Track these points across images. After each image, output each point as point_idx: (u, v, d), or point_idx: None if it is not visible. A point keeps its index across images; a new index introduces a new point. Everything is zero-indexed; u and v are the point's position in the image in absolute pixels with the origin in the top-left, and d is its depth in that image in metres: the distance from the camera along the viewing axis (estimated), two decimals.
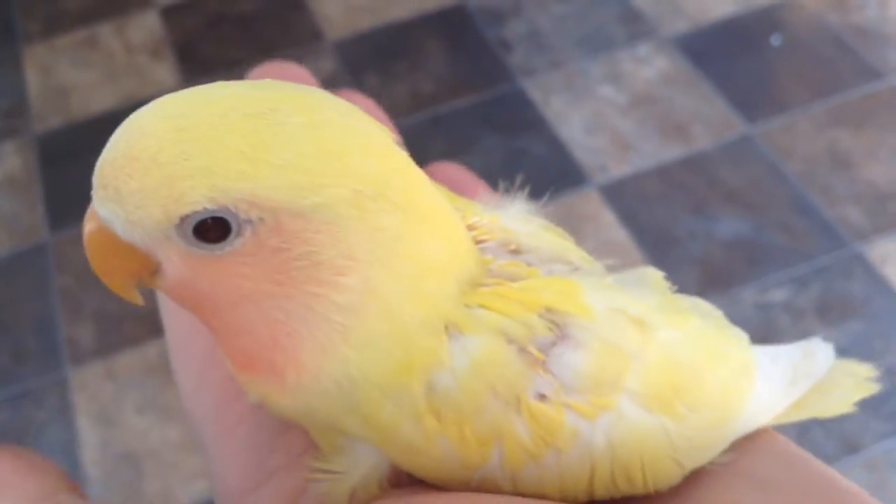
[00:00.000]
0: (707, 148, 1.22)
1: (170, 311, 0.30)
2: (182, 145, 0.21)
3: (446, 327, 0.24)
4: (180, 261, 0.23)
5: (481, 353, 0.24)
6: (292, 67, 0.38)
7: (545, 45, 1.38)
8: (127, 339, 1.09)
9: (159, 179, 0.21)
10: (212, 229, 0.22)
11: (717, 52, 1.33)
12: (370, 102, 0.38)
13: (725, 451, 0.27)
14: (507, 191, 0.31)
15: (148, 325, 1.10)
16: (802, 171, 1.17)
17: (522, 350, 0.24)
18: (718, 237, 1.11)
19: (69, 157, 1.32)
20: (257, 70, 0.37)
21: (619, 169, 1.20)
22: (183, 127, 0.22)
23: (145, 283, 0.24)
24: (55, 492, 0.25)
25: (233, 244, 0.22)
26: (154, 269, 0.23)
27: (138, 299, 0.24)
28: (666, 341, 0.26)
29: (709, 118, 1.25)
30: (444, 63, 1.37)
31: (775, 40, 1.34)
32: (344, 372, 0.24)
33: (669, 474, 0.26)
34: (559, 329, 0.25)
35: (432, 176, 0.36)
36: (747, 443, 0.28)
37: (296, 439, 0.27)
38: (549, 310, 0.25)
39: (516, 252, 0.27)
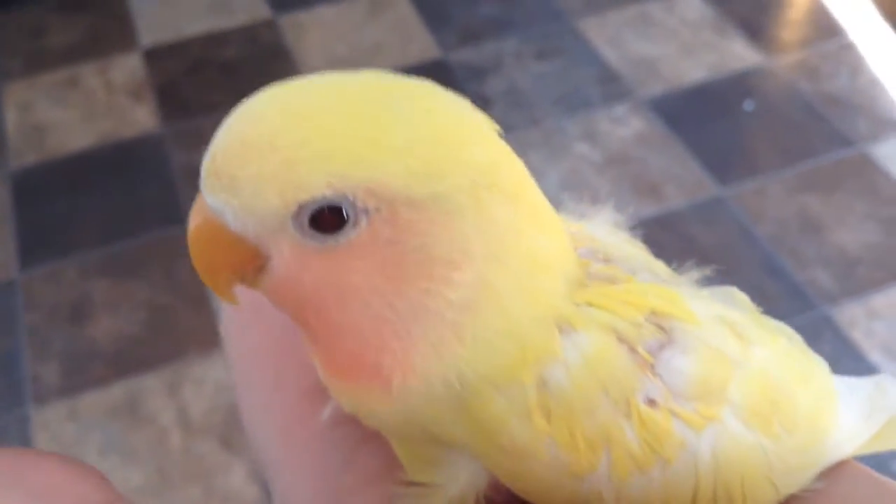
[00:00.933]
0: (680, 208, 1.23)
1: (235, 336, 0.30)
2: (300, 130, 0.21)
3: (558, 323, 0.23)
4: (291, 253, 0.22)
5: (594, 349, 0.23)
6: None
7: (524, 102, 1.40)
8: (92, 380, 1.07)
9: (277, 165, 0.21)
10: (327, 219, 0.21)
11: (692, 115, 1.36)
12: None
13: (816, 479, 0.26)
14: (593, 201, 0.30)
15: (114, 366, 1.08)
16: (773, 234, 1.19)
17: (632, 351, 0.23)
18: None
19: (43, 195, 1.32)
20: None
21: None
22: (299, 112, 0.21)
23: (247, 283, 0.23)
24: (114, 498, 0.24)
25: (347, 235, 0.21)
26: (261, 264, 0.22)
27: (236, 300, 0.24)
28: (761, 357, 0.25)
29: (682, 179, 1.27)
30: None
31: (748, 105, 1.37)
32: (456, 371, 0.23)
33: (766, 497, 0.25)
34: (666, 333, 0.24)
35: None
36: (835, 472, 0.27)
37: (370, 459, 0.26)
38: (654, 313, 0.24)
39: (606, 260, 0.26)
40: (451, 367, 0.23)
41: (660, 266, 0.27)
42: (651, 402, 0.23)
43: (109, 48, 1.53)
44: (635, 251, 0.27)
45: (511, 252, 0.23)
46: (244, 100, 0.22)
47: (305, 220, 0.21)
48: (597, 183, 1.27)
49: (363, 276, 0.22)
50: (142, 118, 1.41)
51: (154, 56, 1.51)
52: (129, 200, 1.29)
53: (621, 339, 0.23)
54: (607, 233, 0.28)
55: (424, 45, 1.49)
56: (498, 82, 1.43)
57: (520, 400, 0.23)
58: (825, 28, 1.48)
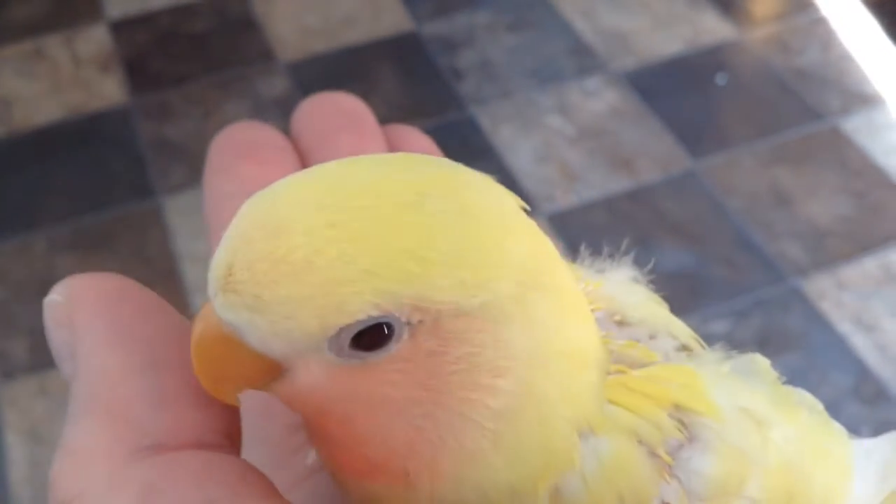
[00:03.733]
0: (652, 181, 1.24)
1: None
2: (339, 245, 0.19)
3: (579, 428, 0.22)
4: (320, 371, 0.20)
5: (613, 457, 0.22)
6: (345, 99, 0.36)
7: (496, 74, 1.39)
8: None
9: (316, 286, 0.18)
10: (368, 337, 0.19)
11: (665, 89, 1.36)
12: (429, 141, 0.36)
13: None
14: (611, 255, 0.28)
15: None
16: (744, 207, 1.20)
17: (652, 453, 0.22)
18: (662, 269, 1.12)
19: (10, 169, 1.30)
20: (308, 103, 0.35)
21: (566, 199, 1.21)
22: (335, 222, 0.19)
23: (256, 388, 0.21)
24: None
25: (388, 351, 0.19)
26: (277, 376, 0.20)
27: (237, 403, 0.21)
28: (781, 442, 0.24)
29: (655, 152, 1.27)
30: (396, 89, 1.38)
31: (721, 79, 1.37)
32: (490, 480, 0.21)
33: None
34: (687, 430, 0.22)
35: (395, 145, 0.33)
36: None
37: None
38: (677, 407, 0.22)
39: (623, 324, 0.25)
40: (485, 476, 0.21)
41: (678, 326, 0.26)
42: None
43: (76, 19, 1.50)
44: (654, 310, 0.26)
45: (553, 352, 0.21)
46: (258, 195, 0.20)
47: (345, 341, 0.19)
48: (569, 157, 1.27)
49: (401, 388, 0.20)
50: (109, 91, 1.39)
51: (121, 28, 1.49)
52: (97, 174, 1.27)
53: (642, 442, 0.22)
54: (626, 291, 0.26)
55: (397, 17, 1.48)
56: (470, 55, 1.42)
57: None
58: (797, 2, 1.49)
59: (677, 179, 1.23)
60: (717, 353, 0.26)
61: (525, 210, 0.22)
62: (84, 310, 0.22)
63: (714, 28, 1.44)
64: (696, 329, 0.27)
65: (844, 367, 1.03)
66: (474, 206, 0.20)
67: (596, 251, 0.27)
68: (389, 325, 0.19)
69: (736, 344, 0.27)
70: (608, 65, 1.39)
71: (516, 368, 0.20)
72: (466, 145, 1.27)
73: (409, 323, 0.19)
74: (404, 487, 0.21)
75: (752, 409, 0.23)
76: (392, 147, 0.36)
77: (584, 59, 1.41)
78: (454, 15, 1.48)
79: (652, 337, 0.25)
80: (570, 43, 1.43)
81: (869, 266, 1.12)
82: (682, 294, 1.09)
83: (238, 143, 0.34)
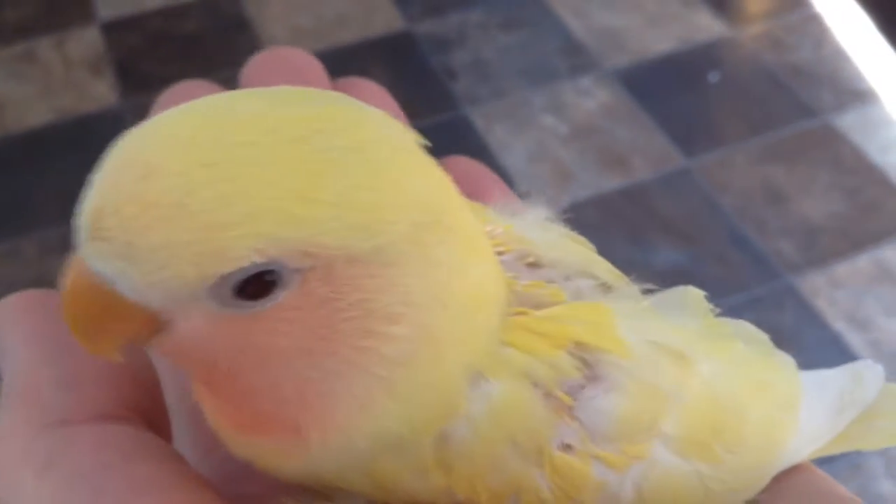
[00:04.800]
0: (646, 179, 1.23)
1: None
2: (217, 186, 0.17)
3: (469, 372, 0.21)
4: (203, 321, 0.18)
5: (503, 400, 0.21)
6: (296, 55, 0.34)
7: (489, 74, 1.39)
8: None
9: (192, 232, 0.17)
10: (253, 285, 0.18)
11: (657, 87, 1.36)
12: (385, 95, 0.34)
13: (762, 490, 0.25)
14: (524, 195, 0.28)
15: None
16: (737, 205, 1.20)
17: (549, 394, 0.21)
18: (655, 267, 1.12)
19: (1, 172, 1.29)
20: (258, 59, 0.34)
21: (560, 197, 1.21)
22: (212, 160, 0.17)
23: (136, 342, 0.19)
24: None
25: (276, 299, 0.18)
26: (158, 328, 0.19)
27: (119, 358, 0.20)
28: (708, 375, 0.23)
29: (648, 150, 1.27)
30: (389, 89, 1.37)
31: (713, 77, 1.37)
32: (383, 429, 0.20)
33: None
34: (590, 368, 0.21)
35: (446, 171, 0.34)
36: (779, 481, 0.25)
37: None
38: (579, 345, 0.21)
39: (535, 265, 0.24)
40: (379, 425, 0.20)
41: (600, 265, 0.25)
42: (567, 448, 0.21)
43: (67, 21, 1.50)
44: (572, 247, 0.25)
45: (453, 293, 0.20)
46: (129, 133, 0.18)
47: (227, 290, 0.18)
48: (563, 155, 1.27)
49: (290, 338, 0.19)
50: (101, 93, 1.39)
51: (113, 29, 1.48)
52: (88, 177, 1.26)
53: (537, 384, 0.21)
54: (541, 230, 0.25)
55: (389, 17, 1.48)
56: (463, 54, 1.42)
57: (415, 456, 0.20)
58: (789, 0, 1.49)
59: (670, 177, 1.23)
60: (637, 287, 0.25)
61: (426, 148, 0.21)
62: (6, 319, 0.23)
63: (707, 26, 1.44)
64: None
65: (838, 365, 1.03)
66: (369, 143, 0.19)
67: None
68: (276, 272, 0.18)
69: None
70: (601, 63, 1.39)
71: (412, 314, 0.19)
72: (460, 145, 1.27)
73: (297, 269, 0.18)
74: (294, 442, 0.20)
75: (668, 344, 0.23)
76: None
77: (576, 58, 1.40)
78: (447, 14, 1.48)
79: (567, 278, 0.24)
80: (563, 42, 1.43)
81: (862, 263, 1.12)
82: None
83: (181, 98, 0.33)
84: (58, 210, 1.24)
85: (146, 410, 0.23)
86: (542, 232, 0.25)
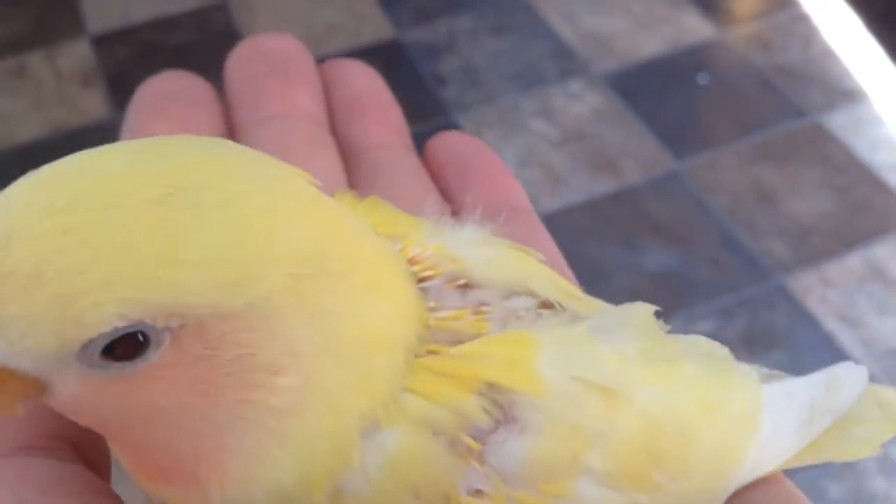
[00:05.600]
0: (636, 183, 1.23)
1: None
2: (71, 253, 0.17)
3: (363, 422, 0.20)
4: (79, 385, 0.18)
5: (399, 450, 0.20)
6: (279, 43, 0.35)
7: (479, 80, 1.39)
8: None
9: (47, 302, 0.17)
10: (122, 347, 0.18)
11: (647, 90, 1.36)
12: (372, 75, 0.35)
13: None
14: (456, 212, 0.27)
15: None
16: (728, 206, 1.20)
17: (454, 441, 0.20)
18: (646, 270, 1.12)
19: None
20: (241, 50, 0.34)
21: (551, 202, 1.21)
22: (68, 226, 0.17)
23: (30, 399, 0.19)
24: None
25: (148, 359, 0.18)
26: (42, 389, 0.19)
27: (20, 412, 0.19)
28: (645, 403, 0.22)
29: (638, 153, 1.27)
30: None
31: (702, 79, 1.37)
32: (278, 480, 0.20)
33: None
34: (502, 410, 0.21)
35: (437, 153, 0.32)
36: (740, 496, 0.25)
37: None
38: (490, 386, 0.21)
39: (467, 287, 0.23)
40: (272, 476, 0.20)
41: (542, 280, 0.24)
42: (477, 493, 0.21)
43: (57, 36, 1.50)
44: (510, 265, 0.24)
45: (343, 340, 0.20)
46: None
47: (94, 354, 0.17)
48: (553, 160, 1.27)
49: (171, 396, 0.18)
50: (93, 106, 1.39)
51: (103, 43, 1.49)
52: None
53: (437, 432, 0.20)
54: (477, 245, 0.24)
55: (378, 25, 1.48)
56: (453, 61, 1.42)
57: None
58: (778, 0, 1.49)
59: (661, 180, 1.23)
60: (574, 303, 0.24)
61: (318, 187, 0.20)
62: None
63: (695, 28, 1.44)
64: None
65: (831, 364, 1.03)
66: (239, 197, 0.18)
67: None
68: (143, 333, 0.17)
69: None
70: (590, 67, 1.39)
71: (298, 364, 0.19)
72: None
73: (167, 328, 0.17)
74: (196, 492, 0.20)
75: (593, 378, 0.22)
76: (328, 87, 0.35)
77: (565, 63, 1.41)
78: (435, 21, 1.48)
79: (506, 297, 0.23)
80: (552, 46, 1.43)
81: (853, 262, 1.12)
82: (667, 294, 1.09)
83: (155, 97, 0.33)
84: None
85: (75, 439, 0.22)
86: (479, 248, 0.24)
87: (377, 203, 0.26)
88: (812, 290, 1.10)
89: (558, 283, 0.25)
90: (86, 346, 0.17)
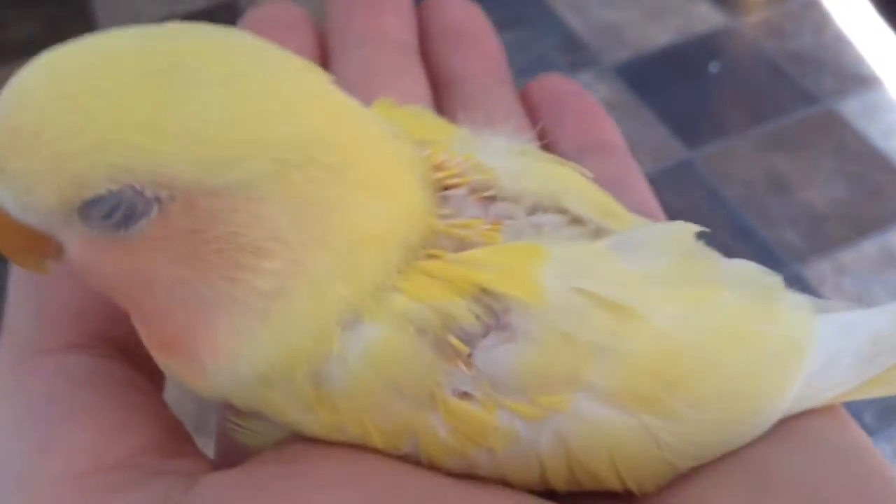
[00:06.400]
0: (648, 173, 1.23)
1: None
2: (70, 116, 0.18)
3: (344, 314, 0.21)
4: (83, 244, 0.20)
5: (378, 343, 0.21)
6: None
7: None
8: None
9: (47, 160, 0.18)
10: (116, 213, 0.19)
11: (658, 80, 1.35)
12: (471, 9, 0.36)
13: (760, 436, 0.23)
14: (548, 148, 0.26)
15: None
16: (741, 195, 1.19)
17: (440, 341, 0.21)
18: None
19: None
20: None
21: None
22: (69, 93, 0.19)
23: (55, 259, 0.21)
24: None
25: (141, 226, 0.19)
26: (58, 248, 0.21)
27: (49, 270, 0.22)
28: (663, 326, 0.22)
29: (650, 144, 1.27)
30: None
31: (713, 67, 1.36)
32: (262, 357, 0.21)
33: (656, 473, 0.22)
34: (496, 316, 0.21)
35: (533, 91, 0.33)
36: (783, 426, 0.24)
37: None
38: (485, 291, 0.21)
39: (492, 199, 0.23)
40: (259, 353, 0.21)
41: (579, 196, 0.24)
42: (464, 395, 0.21)
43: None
44: (545, 178, 0.24)
45: (332, 232, 0.20)
46: (27, 65, 0.20)
47: (93, 213, 0.19)
48: None
49: (164, 266, 0.20)
50: None
51: None
52: None
53: (422, 330, 0.21)
54: (513, 156, 0.24)
55: None
56: None
57: (295, 392, 0.21)
58: None
59: (673, 170, 1.23)
60: (604, 227, 0.23)
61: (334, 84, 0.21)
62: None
63: (706, 16, 1.43)
64: None
65: None
66: (238, 78, 0.19)
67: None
68: (137, 202, 0.19)
69: None
70: (600, 59, 1.39)
71: (285, 250, 0.20)
72: None
73: (158, 199, 0.19)
74: (194, 364, 0.21)
75: (601, 292, 0.21)
76: (426, 20, 0.37)
77: (576, 54, 1.40)
78: None
79: (532, 212, 0.23)
80: (563, 38, 1.43)
81: (868, 249, 1.11)
82: None
83: (254, 24, 0.35)
84: None
85: (119, 339, 0.24)
86: (512, 159, 0.24)
87: (420, 112, 0.26)
88: (827, 278, 1.09)
89: (596, 199, 0.24)
90: (85, 207, 0.19)
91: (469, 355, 0.21)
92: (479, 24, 0.38)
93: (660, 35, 1.41)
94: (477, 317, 0.21)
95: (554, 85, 0.36)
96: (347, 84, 0.35)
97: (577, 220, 0.23)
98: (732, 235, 1.15)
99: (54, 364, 0.23)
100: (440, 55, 0.37)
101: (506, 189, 0.23)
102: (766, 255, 1.12)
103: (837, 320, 0.25)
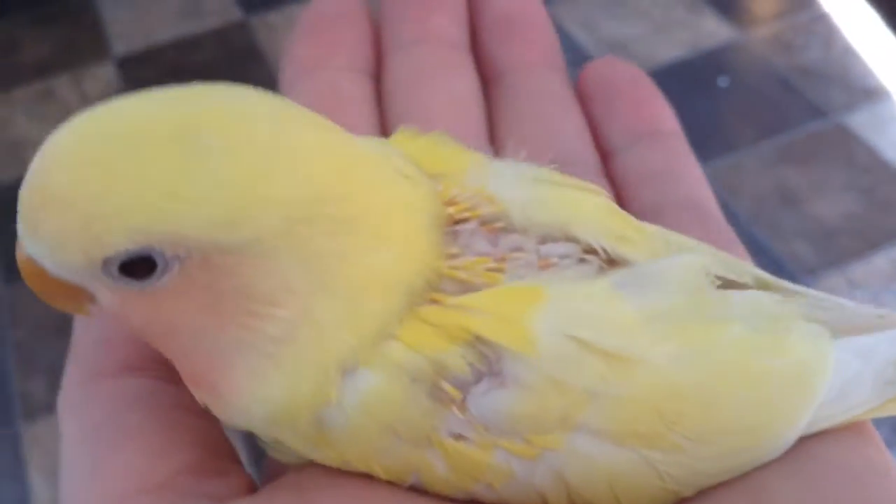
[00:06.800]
0: None
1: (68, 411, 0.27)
2: (96, 181, 0.20)
3: (344, 363, 0.22)
4: (112, 296, 0.21)
5: (374, 393, 0.22)
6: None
7: None
8: None
9: (75, 221, 0.20)
10: (138, 266, 0.20)
11: (667, 95, 1.35)
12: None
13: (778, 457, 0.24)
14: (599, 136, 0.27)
15: None
16: (751, 209, 1.19)
17: (435, 387, 0.22)
18: None
19: None
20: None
21: None
22: (97, 159, 0.20)
23: (89, 304, 0.23)
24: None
25: (161, 280, 0.21)
26: (92, 296, 0.22)
27: (88, 312, 0.23)
28: (661, 366, 0.22)
29: None
30: None
31: (722, 82, 1.37)
32: (272, 399, 0.22)
33: (660, 501, 0.23)
34: (489, 363, 0.22)
35: (588, 78, 0.34)
36: (795, 450, 0.24)
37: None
38: (479, 339, 0.22)
39: (502, 231, 0.24)
40: (269, 393, 0.22)
41: (592, 221, 0.24)
42: (460, 437, 0.22)
43: (83, 59, 1.52)
44: (554, 207, 0.24)
45: (340, 280, 0.21)
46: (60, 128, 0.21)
47: (114, 270, 0.20)
48: None
49: (185, 315, 0.21)
50: None
51: (127, 64, 1.51)
52: None
53: (415, 379, 0.22)
54: (527, 185, 0.25)
55: None
56: None
57: (300, 434, 0.23)
58: (797, 0, 1.48)
59: None
60: (620, 257, 0.24)
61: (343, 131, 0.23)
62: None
63: (714, 31, 1.44)
64: None
65: None
66: (248, 142, 0.21)
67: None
68: (155, 258, 0.20)
69: None
70: None
71: (295, 299, 0.21)
72: None
73: (177, 257, 0.20)
74: (217, 399, 0.23)
75: (591, 339, 0.22)
76: (478, 10, 0.37)
77: None
78: None
79: (543, 242, 0.24)
80: (572, 55, 1.43)
81: (879, 262, 1.11)
82: None
83: (313, 21, 0.37)
84: None
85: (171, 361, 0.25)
86: (525, 188, 0.24)
87: (438, 140, 0.26)
88: (839, 292, 1.09)
89: (609, 224, 0.24)
90: (106, 262, 0.20)
91: (463, 400, 0.22)
92: (531, 10, 0.38)
93: (668, 50, 1.42)
94: (469, 364, 0.22)
95: (609, 71, 0.36)
96: (398, 85, 0.35)
97: (588, 249, 0.24)
98: None
99: (112, 387, 0.25)
100: (491, 47, 0.37)
101: (515, 220, 0.24)
102: (778, 270, 1.12)
103: (856, 344, 0.25)
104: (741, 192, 1.21)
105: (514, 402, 0.22)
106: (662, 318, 0.23)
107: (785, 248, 1.14)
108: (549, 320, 0.22)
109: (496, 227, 0.24)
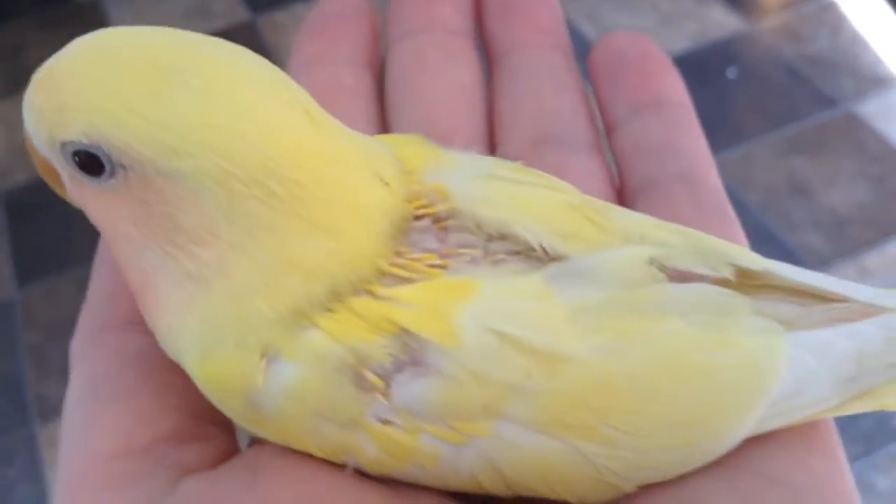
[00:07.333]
0: None
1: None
2: (87, 78, 0.22)
3: (266, 350, 0.23)
4: (71, 183, 0.24)
5: (296, 381, 0.22)
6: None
7: None
8: None
9: (54, 103, 0.22)
10: (88, 162, 0.22)
11: None
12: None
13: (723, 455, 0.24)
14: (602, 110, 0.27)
15: None
16: (762, 200, 1.19)
17: (358, 375, 0.22)
18: None
19: (36, 213, 1.32)
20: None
21: None
22: (97, 63, 0.22)
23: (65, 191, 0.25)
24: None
25: (107, 182, 0.23)
26: (62, 181, 0.24)
27: (66, 195, 0.25)
28: (589, 360, 0.22)
29: None
30: None
31: (731, 73, 1.36)
32: (186, 339, 0.23)
33: (598, 492, 0.23)
34: (412, 354, 0.22)
35: (597, 52, 0.34)
36: (759, 440, 0.24)
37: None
38: (405, 331, 0.22)
39: (454, 228, 0.24)
40: (182, 331, 0.23)
41: (540, 220, 0.24)
42: (386, 422, 0.22)
43: None
44: (505, 205, 0.24)
45: (261, 248, 0.23)
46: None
47: (69, 156, 0.23)
48: None
49: (123, 223, 0.23)
50: None
51: None
52: None
53: (339, 368, 0.22)
54: (476, 183, 0.25)
55: None
56: None
57: (238, 414, 0.24)
58: None
59: None
60: (561, 254, 0.24)
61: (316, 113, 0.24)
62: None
63: (722, 21, 1.43)
64: None
65: None
66: (221, 93, 0.22)
67: None
68: (103, 158, 0.22)
69: None
70: None
71: (217, 244, 0.23)
72: None
73: (122, 165, 0.22)
74: (150, 320, 0.24)
75: (515, 333, 0.22)
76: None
77: None
78: None
79: (491, 239, 0.24)
80: (578, 47, 1.42)
81: (892, 251, 1.11)
82: None
83: (318, 18, 0.38)
84: (92, 248, 1.25)
85: None
86: (481, 185, 0.25)
87: (408, 141, 0.27)
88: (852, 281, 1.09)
89: (559, 223, 0.24)
90: (63, 146, 0.23)
91: (387, 388, 0.22)
92: None
93: (676, 41, 1.42)
94: (391, 355, 0.22)
95: (618, 46, 0.36)
96: (400, 74, 0.36)
97: (531, 248, 0.24)
98: (755, 241, 1.14)
99: (114, 342, 0.27)
100: (494, 28, 0.38)
101: (465, 218, 0.24)
102: (790, 260, 1.11)
103: (813, 339, 0.24)
104: (752, 184, 1.21)
105: (434, 390, 0.22)
106: (593, 312, 0.23)
107: (797, 239, 1.14)
108: (475, 314, 0.22)
109: (447, 224, 0.24)
